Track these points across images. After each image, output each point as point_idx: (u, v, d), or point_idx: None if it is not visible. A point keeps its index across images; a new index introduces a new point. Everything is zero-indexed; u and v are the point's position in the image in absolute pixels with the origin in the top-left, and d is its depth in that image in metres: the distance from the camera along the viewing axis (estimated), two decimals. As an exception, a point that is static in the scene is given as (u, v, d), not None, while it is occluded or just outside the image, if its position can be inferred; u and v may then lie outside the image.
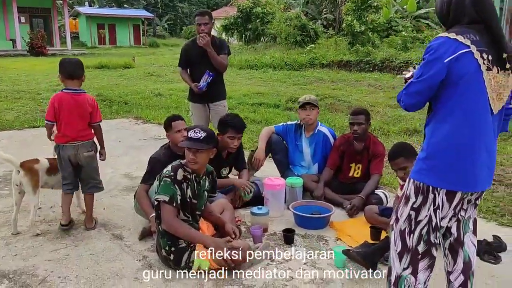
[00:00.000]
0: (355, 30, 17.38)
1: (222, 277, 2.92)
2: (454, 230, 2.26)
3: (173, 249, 2.98)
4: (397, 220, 2.26)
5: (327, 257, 3.21)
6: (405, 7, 22.60)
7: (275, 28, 20.98)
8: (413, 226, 2.19)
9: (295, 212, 3.72)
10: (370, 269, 2.96)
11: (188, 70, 5.07)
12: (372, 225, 3.53)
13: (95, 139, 3.70)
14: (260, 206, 3.67)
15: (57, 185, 3.79)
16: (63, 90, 3.50)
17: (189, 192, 3.03)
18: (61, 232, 3.61)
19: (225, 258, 2.89)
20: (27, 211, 3.66)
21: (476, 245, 2.33)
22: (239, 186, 3.92)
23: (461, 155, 2.02)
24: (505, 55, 1.98)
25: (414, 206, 2.16)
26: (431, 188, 2.10)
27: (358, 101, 10.08)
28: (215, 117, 4.81)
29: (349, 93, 11.45)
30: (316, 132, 4.44)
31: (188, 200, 3.04)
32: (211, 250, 2.92)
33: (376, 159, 4.14)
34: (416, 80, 2.05)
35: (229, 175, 4.21)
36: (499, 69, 1.98)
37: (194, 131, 3.01)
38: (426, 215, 2.14)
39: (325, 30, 23.13)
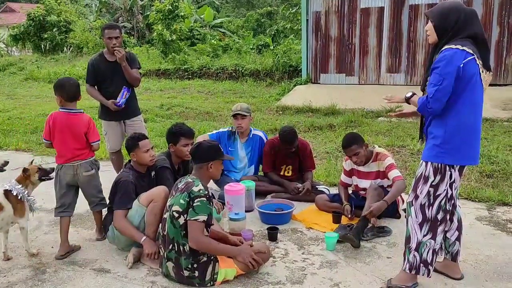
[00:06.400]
0: (167, 39, 17.70)
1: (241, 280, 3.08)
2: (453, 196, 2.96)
3: (195, 265, 2.99)
4: (416, 197, 2.84)
5: (316, 244, 3.63)
6: (202, 16, 23.93)
7: (79, 37, 19.69)
8: (432, 200, 2.79)
9: (264, 211, 4.01)
10: (357, 245, 3.51)
11: (96, 86, 4.76)
12: (333, 210, 4.08)
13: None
14: (236, 212, 3.84)
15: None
16: (60, 109, 3.49)
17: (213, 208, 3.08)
18: (30, 278, 3.13)
19: (253, 262, 3.04)
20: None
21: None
22: None
23: (471, 136, 2.71)
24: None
25: (433, 183, 2.76)
26: (447, 166, 2.73)
27: (203, 108, 10.53)
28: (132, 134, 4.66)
29: (188, 100, 11.80)
30: (251, 136, 4.76)
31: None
32: (242, 256, 3.03)
33: (308, 159, 4.71)
34: (440, 87, 2.59)
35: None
36: (485, 70, 2.73)
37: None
38: (445, 189, 2.76)
39: (127, 39, 22.70)
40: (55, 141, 3.50)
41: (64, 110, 3.49)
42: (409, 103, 2.87)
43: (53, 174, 3.51)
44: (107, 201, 3.63)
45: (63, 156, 3.50)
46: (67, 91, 3.46)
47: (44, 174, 3.49)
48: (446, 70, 2.60)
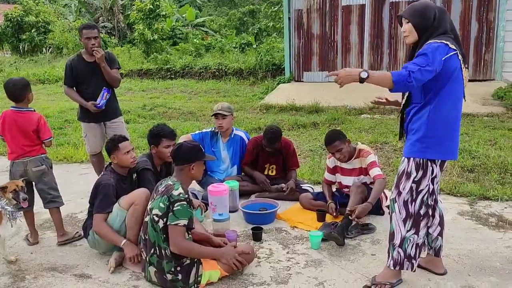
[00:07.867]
0: (148, 39, 17.52)
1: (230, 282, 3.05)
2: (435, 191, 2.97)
3: (179, 268, 2.95)
4: (399, 193, 2.84)
5: (301, 243, 3.62)
6: (184, 15, 23.77)
7: (58, 38, 19.38)
8: (414, 196, 2.80)
9: (248, 211, 3.99)
10: (342, 243, 3.50)
11: (75, 88, 4.68)
12: (318, 208, 4.07)
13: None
14: (220, 212, 3.80)
15: None
16: (11, 108, 3.64)
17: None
18: (9, 286, 3.06)
19: (237, 263, 3.00)
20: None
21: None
22: (195, 205, 3.80)
23: (452, 131, 2.74)
24: None
25: (415, 179, 2.77)
26: (429, 162, 2.74)
27: (186, 108, 10.44)
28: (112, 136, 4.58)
29: (171, 100, 11.69)
30: (232, 136, 4.73)
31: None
32: (226, 258, 3.00)
33: (291, 157, 4.69)
34: (428, 67, 2.51)
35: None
36: (465, 67, 2.75)
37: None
38: (427, 184, 2.78)
39: (108, 39, 22.43)
40: (6, 138, 3.64)
41: (14, 108, 3.63)
42: (362, 82, 2.58)
43: (23, 204, 3.39)
44: (63, 200, 3.80)
45: (15, 152, 3.62)
46: (6, 91, 3.62)
47: (15, 197, 3.37)
48: (434, 55, 2.55)
